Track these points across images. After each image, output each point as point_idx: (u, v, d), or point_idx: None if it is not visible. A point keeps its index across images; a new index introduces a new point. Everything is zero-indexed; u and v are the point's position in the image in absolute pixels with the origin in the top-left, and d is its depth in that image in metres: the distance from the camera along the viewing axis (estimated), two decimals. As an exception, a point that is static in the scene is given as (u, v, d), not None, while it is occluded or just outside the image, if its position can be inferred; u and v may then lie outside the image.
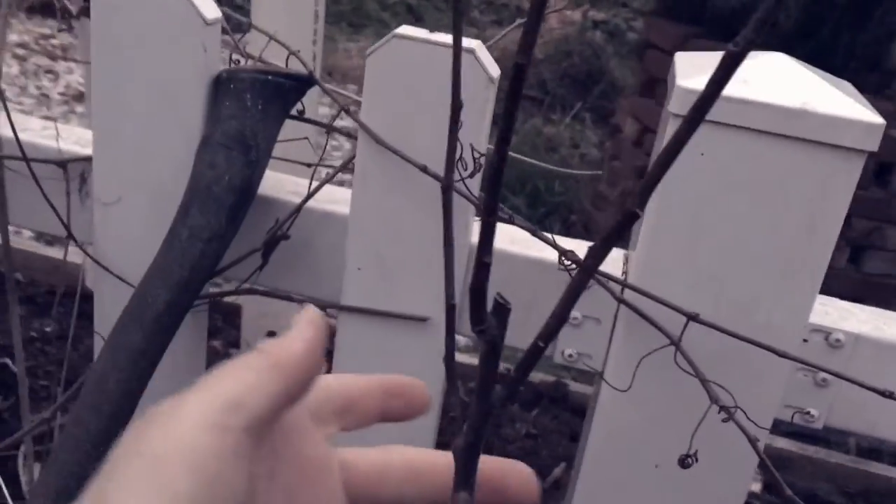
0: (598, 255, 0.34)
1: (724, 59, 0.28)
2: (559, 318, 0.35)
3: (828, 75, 0.71)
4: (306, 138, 0.83)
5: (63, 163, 0.83)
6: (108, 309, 0.86)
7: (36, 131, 0.86)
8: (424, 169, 0.72)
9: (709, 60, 0.72)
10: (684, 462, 0.66)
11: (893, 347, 0.74)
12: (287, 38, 0.88)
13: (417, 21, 5.86)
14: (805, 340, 0.74)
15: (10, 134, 0.84)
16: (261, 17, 1.43)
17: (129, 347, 0.72)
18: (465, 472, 0.38)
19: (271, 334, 1.61)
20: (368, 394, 0.40)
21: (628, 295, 0.74)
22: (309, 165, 0.81)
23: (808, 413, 0.77)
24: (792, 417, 0.76)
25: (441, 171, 0.73)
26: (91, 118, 0.80)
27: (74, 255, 1.25)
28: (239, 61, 0.80)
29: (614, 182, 3.08)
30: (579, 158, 3.94)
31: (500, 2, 6.70)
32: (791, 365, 0.74)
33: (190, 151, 0.79)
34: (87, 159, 0.83)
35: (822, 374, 0.75)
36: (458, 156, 0.69)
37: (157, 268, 0.74)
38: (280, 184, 0.84)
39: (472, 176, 0.71)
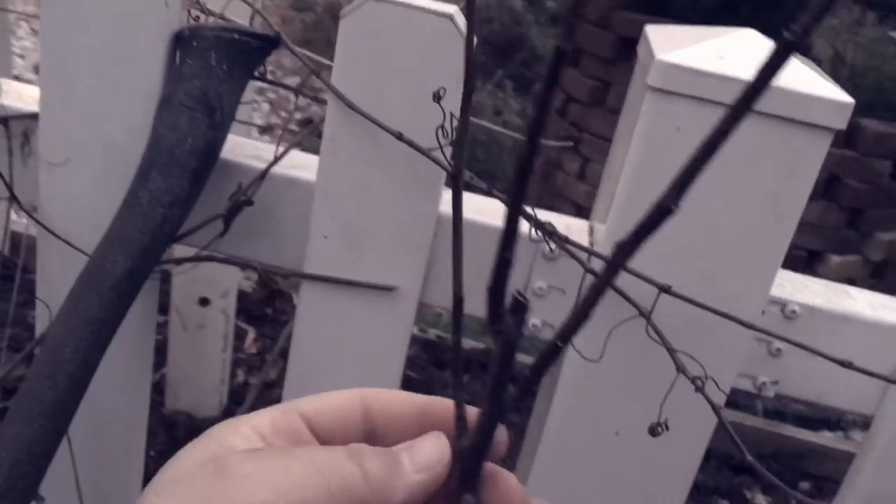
0: (627, 251, 0.34)
1: (777, 49, 0.28)
2: (580, 317, 0.35)
3: (797, 55, 0.72)
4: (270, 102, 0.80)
5: (4, 119, 0.78)
6: (54, 274, 0.82)
7: (-28, 85, 0.80)
8: (400, 136, 0.71)
9: (684, 34, 0.73)
10: (654, 430, 0.68)
11: (844, 318, 0.77)
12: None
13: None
14: (762, 312, 0.77)
15: (-56, 87, 0.79)
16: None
17: (85, 316, 0.69)
18: (471, 474, 0.37)
19: (203, 301, 1.57)
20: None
21: (595, 265, 0.75)
22: (269, 129, 0.78)
23: (762, 382, 0.80)
24: (760, 389, 0.78)
25: (416, 139, 0.72)
26: (40, 73, 0.76)
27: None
28: (198, 18, 0.76)
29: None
30: (502, 125, 3.96)
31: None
32: (750, 335, 0.76)
33: (147, 111, 0.75)
34: (31, 116, 0.78)
35: (777, 345, 0.78)
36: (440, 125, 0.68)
37: (115, 233, 0.71)
38: (239, 147, 0.81)
39: (452, 145, 0.70)
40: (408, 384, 1.89)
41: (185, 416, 1.66)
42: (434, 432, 0.37)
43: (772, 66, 0.28)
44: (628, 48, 2.90)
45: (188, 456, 0.34)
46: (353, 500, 0.33)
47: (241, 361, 1.86)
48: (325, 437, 0.37)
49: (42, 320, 0.83)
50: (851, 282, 2.96)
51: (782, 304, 0.77)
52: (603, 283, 0.34)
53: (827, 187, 2.82)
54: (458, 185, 0.38)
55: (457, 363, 0.40)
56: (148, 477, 0.96)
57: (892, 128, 2.87)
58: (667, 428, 0.67)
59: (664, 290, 0.69)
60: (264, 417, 0.36)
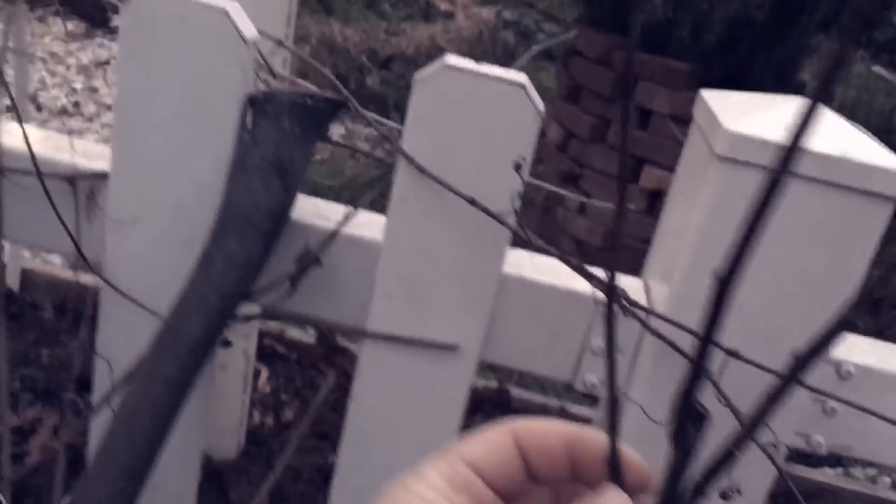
0: (804, 362, 0.35)
1: (804, 112, 0.29)
2: (754, 425, 0.36)
3: (851, 123, 0.75)
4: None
5: (72, 178, 0.79)
6: (116, 331, 0.82)
7: (39, 142, 0.81)
8: (472, 201, 0.73)
9: (744, 103, 0.75)
10: (727, 495, 0.69)
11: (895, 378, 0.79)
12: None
13: (327, 13, 5.78)
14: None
15: (12, 144, 0.80)
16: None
17: (164, 378, 0.69)
18: None
19: (225, 343, 1.57)
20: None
21: (655, 324, 0.76)
22: (340, 191, 0.80)
23: (816, 441, 0.81)
24: (814, 448, 0.80)
25: (484, 201, 0.74)
26: (112, 132, 0.77)
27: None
28: (266, 81, 0.78)
29: (538, 186, 3.13)
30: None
31: (410, -4, 6.70)
32: (807, 395, 0.78)
33: (216, 172, 0.76)
34: (100, 175, 0.79)
35: (831, 403, 0.80)
36: (518, 191, 0.70)
37: (192, 295, 0.71)
38: (300, 205, 0.82)
39: (522, 212, 0.71)
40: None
41: (204, 459, 1.65)
42: (613, 490, 0.37)
43: (800, 128, 0.30)
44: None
45: None
46: None
47: (255, 401, 1.85)
48: (491, 481, 0.36)
49: (102, 377, 0.84)
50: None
51: (837, 364, 0.79)
52: (781, 388, 0.35)
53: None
54: (611, 309, 0.38)
55: (615, 469, 0.40)
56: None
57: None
58: (739, 493, 0.68)
59: (732, 354, 0.71)
60: (434, 474, 0.36)
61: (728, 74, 2.88)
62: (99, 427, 0.82)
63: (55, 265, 2.15)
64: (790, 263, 0.72)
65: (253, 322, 1.58)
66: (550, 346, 0.82)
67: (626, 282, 0.84)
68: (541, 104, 0.73)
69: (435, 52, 5.35)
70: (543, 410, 1.99)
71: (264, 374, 1.95)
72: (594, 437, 0.38)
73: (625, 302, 0.73)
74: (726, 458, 0.35)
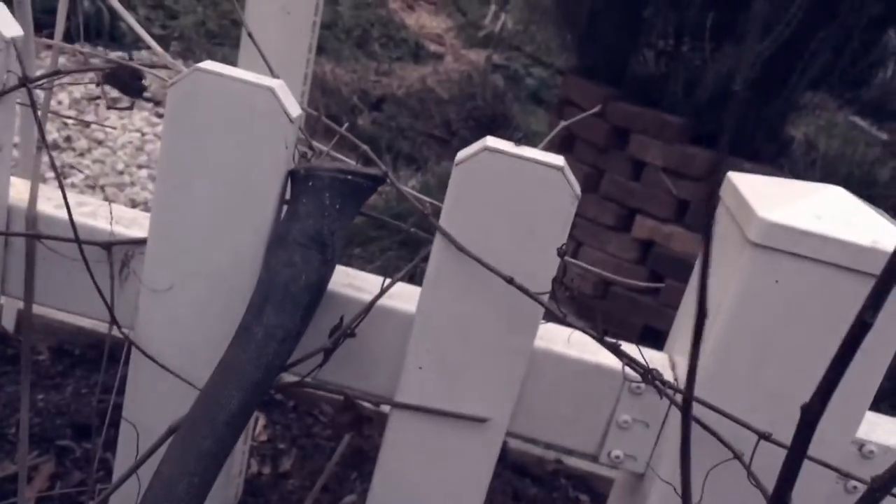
0: (818, 410, 0.37)
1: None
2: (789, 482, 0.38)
3: (879, 210, 0.77)
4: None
5: (108, 245, 0.79)
6: (144, 396, 0.82)
7: (74, 207, 0.81)
8: (511, 280, 0.74)
9: (776, 189, 0.77)
10: (757, 576, 0.70)
11: (916, 458, 0.81)
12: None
13: (318, 53, 5.84)
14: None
15: (47, 209, 0.80)
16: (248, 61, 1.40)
17: (200, 451, 0.69)
18: None
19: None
20: None
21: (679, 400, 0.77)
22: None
23: (837, 517, 0.82)
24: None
25: (518, 278, 0.75)
26: (153, 200, 0.77)
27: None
28: (306, 154, 0.79)
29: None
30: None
31: (399, 37, 6.77)
32: (832, 476, 0.79)
33: (255, 244, 0.77)
34: (136, 242, 0.80)
35: (853, 482, 0.81)
36: (560, 274, 0.71)
37: (229, 367, 0.72)
38: (334, 275, 0.83)
39: (569, 295, 0.73)
40: None
41: (203, 510, 1.63)
42: None
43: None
44: (621, 137, 2.99)
45: None
46: None
47: (252, 450, 1.84)
48: None
49: (127, 441, 0.83)
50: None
51: (860, 444, 0.81)
52: (799, 447, 0.37)
53: None
54: (687, 424, 0.40)
55: None
56: None
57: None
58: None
59: (764, 437, 0.72)
60: None
61: (719, 129, 2.93)
62: (121, 495, 0.82)
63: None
64: (822, 347, 0.74)
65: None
66: (577, 419, 0.83)
67: (650, 355, 0.86)
68: (577, 186, 0.75)
69: (425, 93, 5.40)
70: (539, 463, 1.98)
71: (261, 421, 1.94)
72: None
73: (659, 383, 0.74)
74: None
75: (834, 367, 0.32)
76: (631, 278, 2.97)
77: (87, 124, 3.88)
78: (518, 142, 0.74)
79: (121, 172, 3.53)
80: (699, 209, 2.81)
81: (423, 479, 0.83)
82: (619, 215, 2.99)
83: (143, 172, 3.49)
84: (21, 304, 0.82)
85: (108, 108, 3.76)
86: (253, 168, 0.75)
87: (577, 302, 3.03)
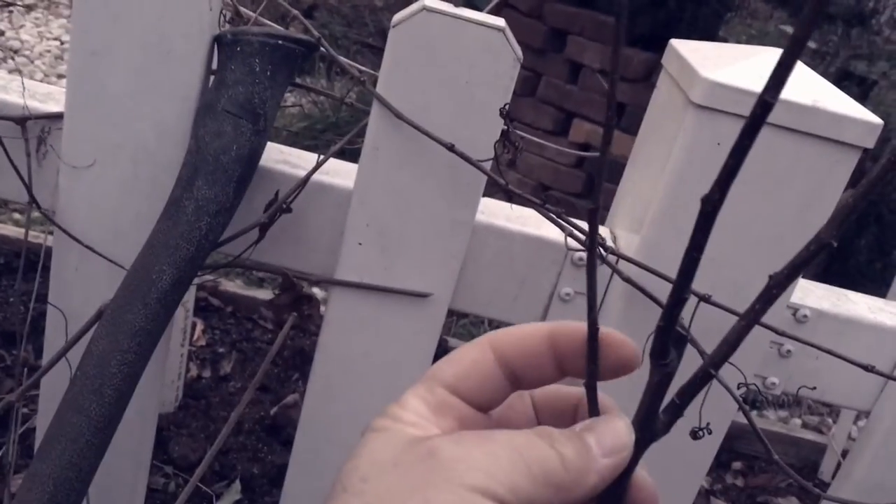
0: (783, 283, 0.36)
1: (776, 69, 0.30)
2: (732, 346, 0.37)
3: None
4: (300, 105, 0.79)
5: (22, 120, 0.74)
6: (71, 280, 0.79)
7: (-18, 81, 0.76)
8: (451, 147, 0.72)
9: (718, 53, 0.76)
10: (696, 434, 0.71)
11: (849, 321, 0.83)
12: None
13: None
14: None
15: (-47, 83, 0.74)
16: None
17: (132, 327, 0.67)
18: (617, 496, 0.39)
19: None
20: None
21: (624, 270, 0.77)
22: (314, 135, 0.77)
23: (771, 382, 0.84)
24: (769, 389, 0.83)
25: (461, 148, 0.73)
26: (68, 71, 0.72)
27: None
28: (233, 20, 0.74)
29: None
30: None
31: None
32: (767, 339, 0.80)
33: (181, 114, 0.73)
34: (53, 116, 0.75)
35: (787, 346, 0.83)
36: (499, 139, 0.69)
37: (160, 243, 0.69)
38: (266, 152, 0.80)
39: (510, 163, 0.71)
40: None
41: (142, 413, 1.61)
42: (614, 413, 0.38)
43: (776, 84, 0.30)
44: (558, 39, 2.95)
45: (372, 451, 0.34)
46: (551, 483, 0.33)
47: (192, 354, 1.81)
48: (471, 399, 0.37)
49: (54, 326, 0.80)
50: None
51: (794, 309, 0.82)
52: (758, 311, 0.36)
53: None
54: (594, 220, 0.39)
55: (592, 390, 0.40)
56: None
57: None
58: (709, 431, 0.71)
59: (704, 299, 0.72)
60: (416, 401, 0.36)
61: (655, 29, 2.91)
62: (50, 382, 0.79)
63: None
64: (759, 211, 0.74)
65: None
66: (519, 293, 0.82)
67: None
68: (518, 49, 0.72)
69: (359, 0, 5.24)
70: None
71: (200, 326, 1.91)
72: (574, 327, 0.38)
73: (600, 249, 0.73)
74: (705, 379, 0.36)
75: (734, 154, 0.30)
76: (568, 182, 2.98)
77: (1, 33, 3.68)
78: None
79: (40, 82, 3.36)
80: (636, 112, 2.81)
81: (366, 357, 0.82)
82: (557, 119, 2.98)
83: (64, 83, 3.33)
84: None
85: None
86: (173, 31, 0.70)
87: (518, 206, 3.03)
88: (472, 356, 0.38)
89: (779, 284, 0.36)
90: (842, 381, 0.84)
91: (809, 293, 0.85)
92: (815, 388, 0.82)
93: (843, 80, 4.12)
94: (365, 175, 0.76)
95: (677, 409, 0.39)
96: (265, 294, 2.04)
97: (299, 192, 0.74)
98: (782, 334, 0.76)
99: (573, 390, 0.41)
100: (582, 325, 0.38)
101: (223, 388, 1.74)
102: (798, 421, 2.48)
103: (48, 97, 0.78)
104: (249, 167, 0.72)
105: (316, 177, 0.78)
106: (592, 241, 0.39)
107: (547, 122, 2.99)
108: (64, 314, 0.79)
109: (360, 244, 0.78)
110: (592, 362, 0.39)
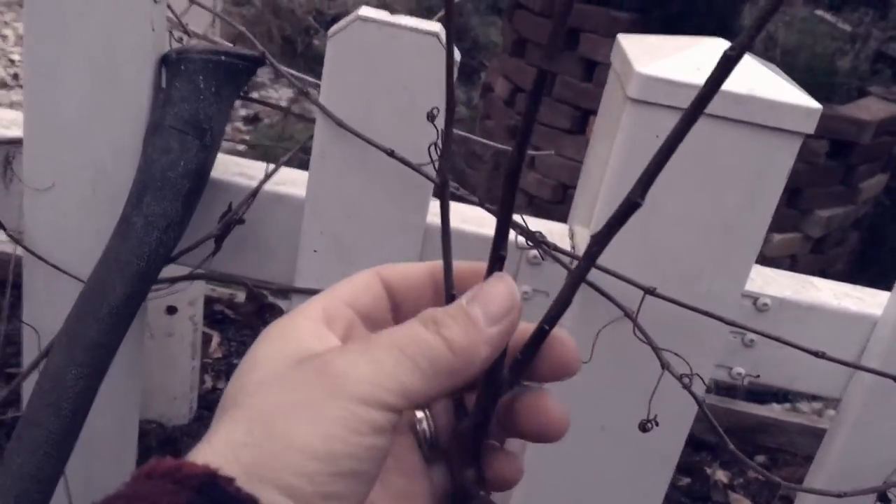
0: (602, 241, 0.37)
1: (720, 63, 0.32)
2: (564, 304, 0.38)
3: (764, 62, 0.76)
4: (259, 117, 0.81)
5: (-14, 146, 0.78)
6: (40, 298, 0.82)
7: (-51, 111, 0.79)
8: (391, 153, 0.73)
9: (658, 45, 0.76)
10: (644, 427, 0.71)
11: (812, 308, 0.82)
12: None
13: None
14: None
15: (-80, 114, 0.78)
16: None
17: (86, 342, 0.69)
18: (473, 452, 0.40)
19: (171, 310, 1.56)
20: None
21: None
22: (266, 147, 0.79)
23: (737, 372, 0.84)
24: (735, 379, 0.83)
25: (404, 153, 0.74)
26: (24, 97, 0.75)
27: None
28: (182, 39, 0.77)
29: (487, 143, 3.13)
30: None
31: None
32: (726, 329, 0.80)
33: (134, 133, 0.75)
34: (13, 142, 0.78)
35: (750, 336, 0.82)
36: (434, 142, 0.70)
37: (111, 259, 0.71)
38: (224, 165, 0.82)
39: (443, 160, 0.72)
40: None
41: (157, 426, 1.65)
42: (495, 275, 0.37)
43: (717, 79, 0.32)
44: (571, 37, 2.94)
45: (268, 357, 0.35)
46: (442, 372, 0.34)
47: (207, 366, 1.85)
48: (360, 311, 0.40)
49: (29, 344, 0.83)
50: (793, 258, 3.07)
51: (754, 298, 0.82)
52: (580, 270, 0.37)
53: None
54: (444, 195, 0.41)
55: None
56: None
57: (826, 108, 2.98)
58: (657, 423, 0.71)
59: (649, 291, 0.73)
60: (315, 308, 0.39)
61: (669, 23, 2.89)
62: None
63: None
64: (704, 200, 0.74)
65: (198, 288, 1.58)
66: (478, 293, 0.83)
67: (553, 227, 0.86)
68: (457, 53, 0.73)
69: (382, 8, 5.28)
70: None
71: (216, 339, 1.95)
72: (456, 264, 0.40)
73: (545, 247, 0.74)
74: (541, 335, 0.37)
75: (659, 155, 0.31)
76: (587, 180, 2.97)
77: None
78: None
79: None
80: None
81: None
82: (573, 117, 2.97)
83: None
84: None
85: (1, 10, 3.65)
86: (120, 53, 0.73)
87: (536, 206, 3.03)
88: (364, 280, 0.41)
89: (599, 242, 0.37)
90: (809, 369, 0.84)
91: (772, 281, 0.84)
92: (767, 375, 0.81)
93: (877, 62, 4.04)
94: (315, 183, 0.77)
95: (519, 365, 0.39)
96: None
97: (251, 202, 0.76)
98: (736, 325, 0.76)
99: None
100: (462, 265, 0.40)
101: (237, 398, 1.77)
102: (833, 412, 2.43)
103: (13, 123, 0.81)
104: (198, 181, 0.74)
105: (270, 187, 0.80)
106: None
107: (563, 121, 2.98)
108: (37, 332, 0.82)
109: (315, 251, 0.80)
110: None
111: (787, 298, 0.82)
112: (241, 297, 2.06)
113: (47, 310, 0.82)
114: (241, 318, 1.06)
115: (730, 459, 1.99)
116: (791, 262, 3.03)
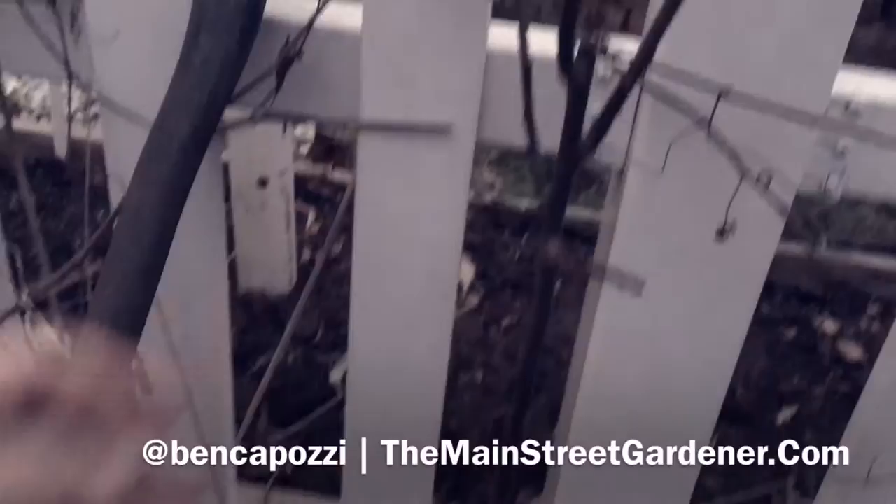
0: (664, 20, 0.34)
1: None
2: (648, 53, 0.35)
3: None
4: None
5: None
6: (120, 149, 0.85)
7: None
8: (441, -33, 0.70)
9: None
10: (721, 232, 0.69)
11: (910, 111, 0.76)
12: None
13: None
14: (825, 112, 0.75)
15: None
16: None
17: (157, 181, 0.71)
18: (554, 220, 0.39)
19: (262, 182, 1.60)
20: None
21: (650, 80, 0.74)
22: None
23: (829, 182, 0.79)
24: (826, 190, 0.78)
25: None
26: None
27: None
28: None
29: None
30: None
31: None
32: (813, 138, 0.75)
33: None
34: (75, -7, 0.79)
35: (842, 143, 0.77)
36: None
37: (173, 97, 0.72)
38: (275, 1, 0.81)
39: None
40: (469, 247, 1.92)
41: (260, 295, 1.72)
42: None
43: None
44: None
45: None
46: None
47: (305, 242, 1.91)
48: None
49: (116, 195, 0.86)
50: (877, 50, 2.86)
51: (845, 103, 0.76)
52: (658, 31, 0.34)
53: (884, 10, 2.69)
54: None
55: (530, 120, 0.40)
56: (234, 353, 1.00)
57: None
58: (733, 229, 0.68)
59: (723, 92, 0.68)
60: None
61: None
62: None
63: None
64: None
65: (286, 159, 1.60)
66: (546, 117, 0.80)
67: (617, 43, 0.81)
68: None
69: None
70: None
71: (311, 215, 2.00)
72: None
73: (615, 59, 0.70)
74: (622, 94, 0.34)
75: None
76: None
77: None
78: None
79: None
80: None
81: (400, 198, 0.84)
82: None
83: None
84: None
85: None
86: None
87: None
88: None
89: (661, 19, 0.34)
90: (907, 177, 0.78)
91: (864, 84, 0.78)
92: (863, 186, 0.76)
93: None
94: (370, 14, 0.75)
95: (598, 129, 0.38)
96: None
97: (306, 34, 0.75)
98: (813, 123, 0.71)
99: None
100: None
101: (334, 269, 1.82)
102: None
103: (76, -24, 0.82)
104: (251, 17, 0.73)
105: (328, 23, 0.78)
106: None
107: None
108: (122, 181, 0.84)
109: (377, 84, 0.78)
110: None
111: (881, 103, 0.76)
112: (333, 175, 2.09)
113: (127, 158, 0.84)
114: (312, 160, 1.07)
115: (838, 311, 1.92)
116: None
